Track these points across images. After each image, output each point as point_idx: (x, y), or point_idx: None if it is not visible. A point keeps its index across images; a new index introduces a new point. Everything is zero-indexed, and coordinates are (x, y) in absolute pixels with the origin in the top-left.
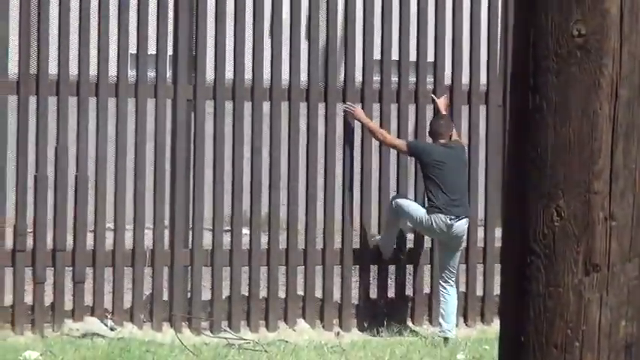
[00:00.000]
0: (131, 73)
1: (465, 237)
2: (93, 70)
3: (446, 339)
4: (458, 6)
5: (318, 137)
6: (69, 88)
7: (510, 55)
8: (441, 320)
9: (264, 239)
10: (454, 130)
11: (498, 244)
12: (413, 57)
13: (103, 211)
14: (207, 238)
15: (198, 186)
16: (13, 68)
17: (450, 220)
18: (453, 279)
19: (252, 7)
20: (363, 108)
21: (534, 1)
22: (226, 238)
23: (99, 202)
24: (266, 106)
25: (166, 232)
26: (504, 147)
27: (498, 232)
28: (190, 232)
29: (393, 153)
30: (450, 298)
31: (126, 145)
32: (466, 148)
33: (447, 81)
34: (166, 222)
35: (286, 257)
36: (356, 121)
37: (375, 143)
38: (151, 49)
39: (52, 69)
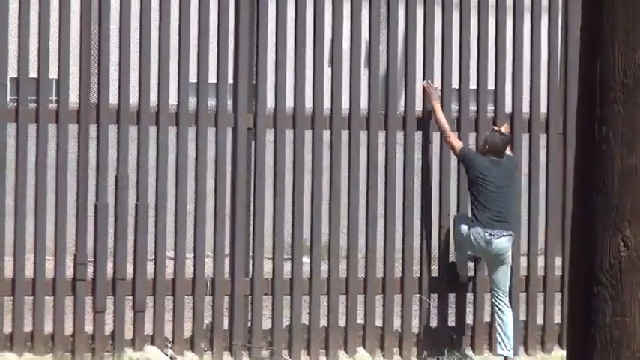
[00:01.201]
0: (191, 102)
1: (508, 255)
2: (153, 99)
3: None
4: (518, 34)
5: (378, 165)
6: (129, 117)
7: (570, 82)
8: (499, 343)
9: (324, 267)
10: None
11: (558, 272)
12: (473, 85)
13: (163, 239)
14: (267, 267)
15: (259, 214)
16: (73, 97)
17: (489, 235)
18: (505, 299)
19: (312, 35)
20: (422, 136)
21: (600, 32)
22: (286, 267)
23: (159, 230)
24: (326, 135)
25: (226, 261)
26: (564, 175)
27: (558, 261)
28: (250, 261)
29: (454, 178)
30: (504, 319)
31: (186, 174)
32: (515, 162)
33: (508, 109)
34: (227, 250)
35: (346, 285)
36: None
37: (436, 170)
38: (212, 78)
39: (113, 98)
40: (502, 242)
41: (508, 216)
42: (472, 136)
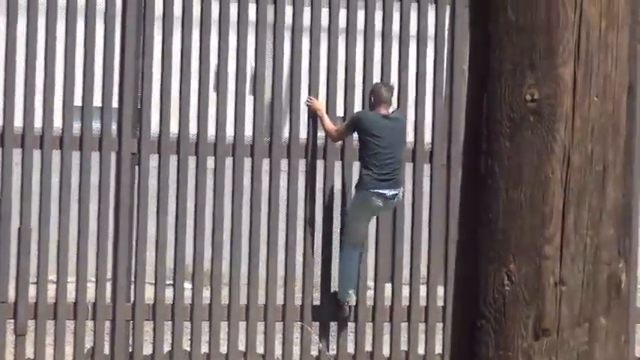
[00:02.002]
0: (76, 125)
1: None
2: (38, 123)
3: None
4: (404, 63)
5: (261, 192)
6: (13, 140)
7: (455, 113)
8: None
9: (206, 294)
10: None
11: (440, 302)
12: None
13: (45, 263)
14: (149, 292)
15: (141, 239)
16: None
17: (383, 196)
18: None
19: (197, 60)
20: (306, 164)
21: (488, 66)
22: (168, 293)
23: (41, 254)
24: (210, 161)
25: (108, 286)
26: (448, 205)
27: (441, 291)
28: (132, 286)
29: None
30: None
31: (69, 198)
32: (404, 122)
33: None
34: (109, 275)
35: (228, 312)
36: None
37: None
38: (97, 101)
39: None
40: (394, 202)
41: (399, 173)
42: (356, 165)
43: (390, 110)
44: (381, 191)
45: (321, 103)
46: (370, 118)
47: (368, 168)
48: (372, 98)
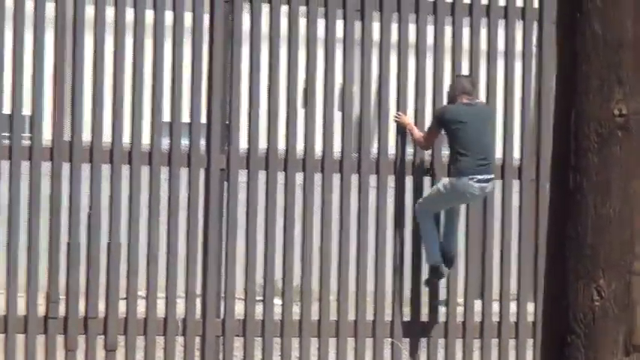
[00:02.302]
0: (165, 142)
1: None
2: (127, 138)
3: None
4: (492, 80)
5: (350, 208)
6: (102, 156)
7: (543, 128)
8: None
9: (295, 309)
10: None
11: (531, 318)
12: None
13: (135, 278)
14: (239, 308)
15: (231, 255)
16: (47, 134)
17: (477, 182)
18: None
19: (286, 76)
20: (396, 180)
21: (576, 83)
22: (258, 308)
23: (131, 269)
24: (299, 177)
25: (198, 302)
26: (537, 221)
27: (531, 307)
28: (222, 302)
29: None
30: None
31: (159, 214)
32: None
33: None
34: (198, 291)
35: (318, 328)
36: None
37: None
38: (185, 118)
39: (86, 136)
40: (488, 187)
41: (490, 158)
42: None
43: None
44: (478, 176)
45: (408, 118)
46: (451, 109)
47: (462, 154)
48: (453, 91)
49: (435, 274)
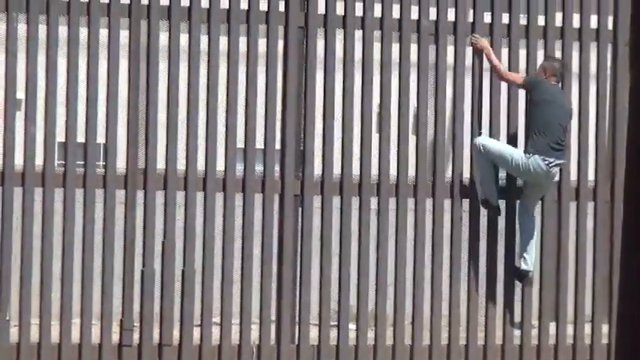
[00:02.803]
0: (239, 167)
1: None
2: (201, 165)
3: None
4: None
5: (425, 231)
6: (176, 183)
7: (618, 150)
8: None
9: (370, 335)
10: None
11: (605, 340)
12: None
13: (209, 305)
14: (313, 333)
15: (305, 280)
16: (121, 162)
17: (547, 164)
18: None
19: (360, 101)
20: (470, 203)
21: None
22: (333, 334)
23: (205, 296)
24: (373, 202)
25: (273, 328)
26: (612, 243)
27: (605, 329)
28: (297, 327)
29: (501, 243)
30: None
31: (233, 240)
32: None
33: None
34: (273, 317)
35: (392, 353)
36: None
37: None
38: (259, 144)
39: (160, 163)
40: (555, 173)
41: (564, 144)
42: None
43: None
44: (549, 159)
45: (486, 42)
46: (546, 84)
47: (539, 133)
48: (545, 71)
49: (494, 209)
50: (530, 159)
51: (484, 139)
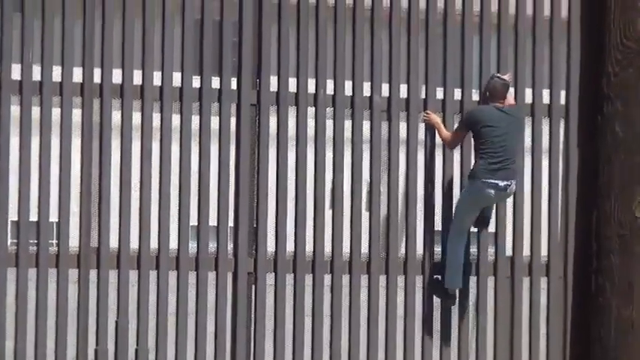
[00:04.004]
0: (192, 245)
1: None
2: (154, 244)
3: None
4: (519, 172)
5: (379, 308)
6: (129, 262)
7: (571, 226)
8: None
9: None
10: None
11: None
12: (474, 228)
13: None
14: None
15: (259, 358)
16: (73, 241)
17: (495, 186)
18: None
19: (312, 178)
20: (423, 280)
21: (597, 185)
22: None
23: None
24: (327, 279)
25: None
26: (565, 318)
27: None
28: None
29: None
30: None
31: (186, 318)
32: (523, 113)
33: (508, 252)
34: None
35: None
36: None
37: None
38: (212, 221)
39: (113, 242)
40: (507, 193)
41: (514, 163)
42: (473, 280)
43: (506, 104)
44: (493, 181)
45: (437, 116)
46: (483, 110)
47: (481, 158)
48: (487, 92)
49: (449, 299)
50: (472, 185)
51: (452, 227)
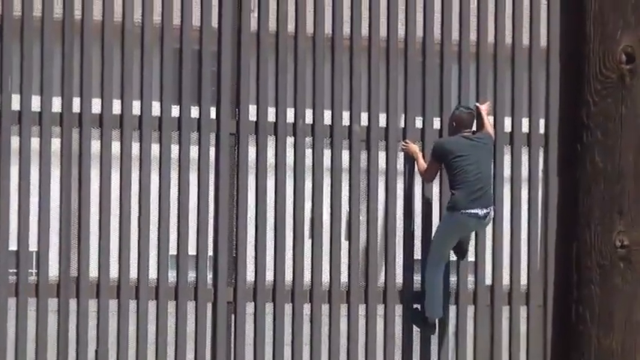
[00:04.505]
0: (171, 275)
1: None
2: (133, 273)
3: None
4: (498, 201)
5: (358, 337)
6: (109, 291)
7: (550, 255)
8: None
9: None
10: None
11: None
12: (453, 257)
13: None
14: None
15: None
16: (53, 270)
17: (474, 215)
18: None
19: (292, 206)
20: (403, 308)
21: (577, 214)
22: None
23: None
24: (307, 308)
25: None
26: (545, 347)
27: None
28: None
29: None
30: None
31: (166, 347)
32: (492, 139)
33: (488, 281)
34: None
35: None
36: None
37: None
38: (191, 250)
39: (93, 271)
40: (486, 222)
41: (489, 190)
42: (452, 309)
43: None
44: (473, 211)
45: (416, 146)
46: (451, 140)
47: (458, 189)
48: (454, 123)
49: (429, 328)
50: (451, 216)
51: (430, 255)
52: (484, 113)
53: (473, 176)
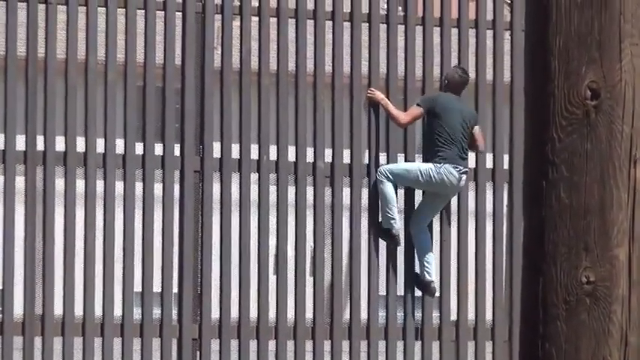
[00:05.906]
0: (136, 312)
1: None
2: (98, 310)
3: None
4: (463, 237)
5: None
6: (74, 328)
7: (515, 290)
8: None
9: None
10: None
11: None
12: (418, 292)
13: None
14: None
15: None
16: (18, 309)
17: (458, 172)
18: None
19: (256, 243)
20: (368, 345)
21: (543, 249)
22: None
23: None
24: (272, 344)
25: None
26: None
27: None
28: None
29: None
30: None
31: None
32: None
33: (453, 316)
34: None
35: None
36: None
37: None
38: (156, 287)
39: (58, 309)
40: (461, 185)
41: (467, 153)
42: (418, 344)
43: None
44: (459, 166)
45: (381, 94)
46: (445, 96)
47: (447, 143)
48: (446, 81)
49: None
50: (441, 169)
51: (389, 166)
52: (479, 137)
53: (459, 134)
